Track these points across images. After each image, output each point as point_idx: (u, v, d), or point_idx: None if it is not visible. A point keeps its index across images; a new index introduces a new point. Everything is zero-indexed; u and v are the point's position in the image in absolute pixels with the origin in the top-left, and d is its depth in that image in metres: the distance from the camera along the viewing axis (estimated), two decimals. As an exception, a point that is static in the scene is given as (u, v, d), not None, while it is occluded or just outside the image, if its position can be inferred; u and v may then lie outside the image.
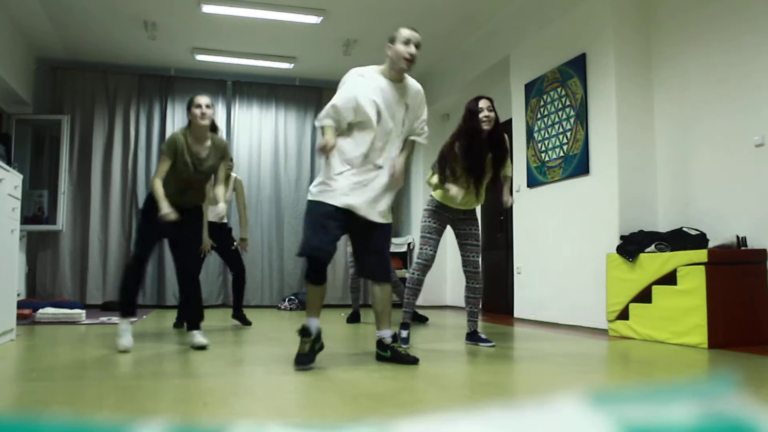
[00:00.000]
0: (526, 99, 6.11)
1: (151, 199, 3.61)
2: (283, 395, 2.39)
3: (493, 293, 7.26)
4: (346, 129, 3.05)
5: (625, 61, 4.97)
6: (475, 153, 3.69)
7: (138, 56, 7.68)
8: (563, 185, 5.51)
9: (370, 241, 3.14)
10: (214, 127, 3.84)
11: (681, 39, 4.73)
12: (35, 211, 7.29)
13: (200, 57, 7.61)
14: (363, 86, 3.04)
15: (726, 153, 4.31)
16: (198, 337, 3.66)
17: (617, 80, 4.92)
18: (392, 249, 7.30)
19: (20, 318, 4.72)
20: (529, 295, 5.98)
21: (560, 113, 5.57)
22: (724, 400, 0.31)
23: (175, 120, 7.96)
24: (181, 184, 3.66)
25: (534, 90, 5.97)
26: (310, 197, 3.07)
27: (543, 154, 5.80)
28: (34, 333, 4.47)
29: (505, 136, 3.89)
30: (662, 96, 4.91)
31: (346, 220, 3.02)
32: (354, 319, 5.89)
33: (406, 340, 3.80)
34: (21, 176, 4.16)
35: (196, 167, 3.66)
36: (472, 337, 3.97)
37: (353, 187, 3.00)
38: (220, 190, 3.81)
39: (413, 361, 3.04)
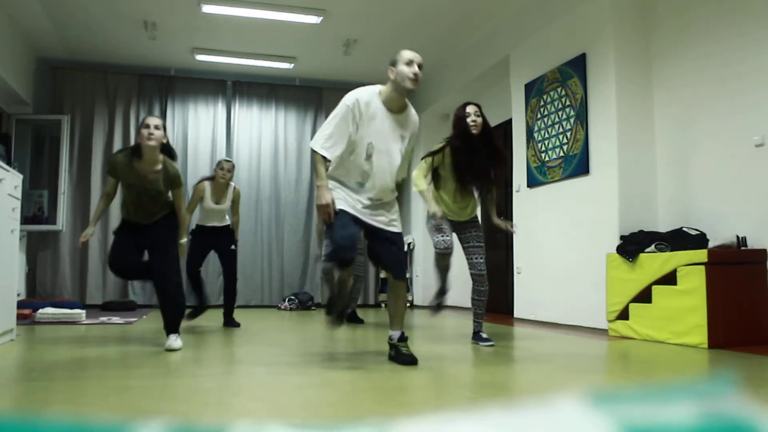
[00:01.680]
0: (526, 99, 6.11)
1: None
2: (283, 395, 2.39)
3: (493, 293, 7.23)
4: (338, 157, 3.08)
5: (625, 61, 4.97)
6: (465, 159, 3.75)
7: (138, 56, 7.68)
8: (563, 185, 5.51)
9: (381, 232, 3.17)
10: (170, 152, 3.70)
11: (681, 39, 4.73)
12: (35, 211, 7.29)
13: (200, 57, 7.61)
14: (360, 125, 3.04)
15: (726, 153, 4.31)
16: (172, 340, 3.59)
17: (617, 80, 4.92)
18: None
19: (20, 318, 4.72)
20: (529, 295, 5.98)
21: (560, 113, 5.57)
22: (724, 400, 0.31)
23: (175, 120, 7.96)
24: (130, 203, 3.68)
25: (534, 90, 5.97)
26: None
27: (543, 154, 5.80)
28: (34, 333, 4.47)
29: (500, 145, 3.97)
30: (662, 96, 4.91)
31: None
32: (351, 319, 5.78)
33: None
34: (21, 176, 4.16)
35: (139, 190, 3.60)
36: (475, 337, 4.02)
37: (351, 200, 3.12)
38: (180, 216, 3.78)
39: (411, 361, 3.04)
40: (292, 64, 7.86)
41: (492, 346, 3.82)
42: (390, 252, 3.15)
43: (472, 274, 3.94)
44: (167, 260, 3.69)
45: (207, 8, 6.21)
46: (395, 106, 3.10)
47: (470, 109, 3.80)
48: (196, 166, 7.87)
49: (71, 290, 7.45)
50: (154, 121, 3.55)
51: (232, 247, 5.24)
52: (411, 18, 6.50)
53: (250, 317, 6.13)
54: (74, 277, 7.51)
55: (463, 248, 4.00)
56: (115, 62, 7.85)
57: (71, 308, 5.52)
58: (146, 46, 7.30)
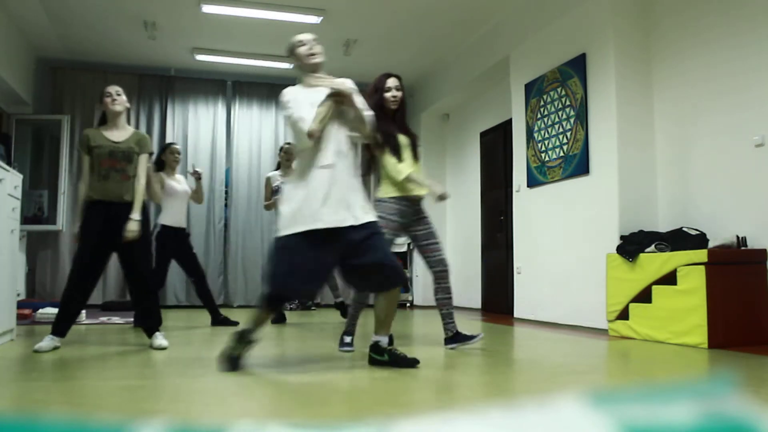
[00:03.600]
0: (526, 99, 6.11)
1: (87, 207, 3.66)
2: (282, 395, 2.39)
3: (493, 293, 7.27)
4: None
5: (625, 60, 4.97)
6: (383, 131, 3.49)
7: (138, 56, 7.68)
8: (563, 185, 5.51)
9: (364, 250, 2.86)
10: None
11: (681, 39, 4.73)
12: (35, 211, 7.29)
13: (200, 57, 7.61)
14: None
15: (726, 153, 4.31)
16: (161, 339, 3.66)
17: (617, 80, 4.92)
18: (393, 249, 7.27)
19: (20, 318, 4.72)
20: (529, 295, 5.98)
21: (560, 113, 5.57)
22: (724, 400, 0.31)
23: (175, 120, 7.96)
24: (103, 166, 3.62)
25: (534, 90, 5.97)
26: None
27: (543, 154, 5.80)
28: (34, 333, 4.47)
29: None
30: (662, 95, 4.91)
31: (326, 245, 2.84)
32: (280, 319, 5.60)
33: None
34: (21, 176, 4.16)
35: (112, 149, 3.65)
36: (457, 338, 3.73)
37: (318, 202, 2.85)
38: (140, 185, 3.68)
39: (413, 363, 2.98)
40: (292, 65, 7.84)
41: (481, 338, 3.72)
42: (383, 269, 2.96)
43: (436, 272, 3.67)
44: (140, 259, 3.71)
45: (207, 8, 6.21)
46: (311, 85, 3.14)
47: (391, 82, 3.57)
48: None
49: (71, 290, 7.44)
50: (114, 88, 3.76)
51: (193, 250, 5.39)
52: (411, 18, 6.50)
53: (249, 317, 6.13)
54: (74, 277, 7.50)
55: (421, 246, 3.70)
56: (115, 62, 7.85)
57: (71, 308, 5.51)
58: (146, 46, 7.30)
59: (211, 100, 8.13)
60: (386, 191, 3.59)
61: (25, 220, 6.38)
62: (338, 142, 2.94)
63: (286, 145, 5.61)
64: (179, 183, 5.26)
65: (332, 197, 2.83)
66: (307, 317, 6.50)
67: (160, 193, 4.98)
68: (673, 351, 3.70)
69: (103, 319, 5.64)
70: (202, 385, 2.53)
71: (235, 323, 5.18)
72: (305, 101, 2.97)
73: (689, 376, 2.89)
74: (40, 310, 5.35)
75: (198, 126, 8.06)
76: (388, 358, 3.01)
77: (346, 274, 2.96)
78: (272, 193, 5.51)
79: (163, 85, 8.01)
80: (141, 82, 7.94)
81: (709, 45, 4.46)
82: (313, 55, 3.12)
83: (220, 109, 8.14)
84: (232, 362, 2.90)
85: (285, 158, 5.55)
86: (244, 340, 2.95)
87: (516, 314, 6.15)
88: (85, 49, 7.46)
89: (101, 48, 7.42)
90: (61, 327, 3.59)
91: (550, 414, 0.31)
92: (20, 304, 5.12)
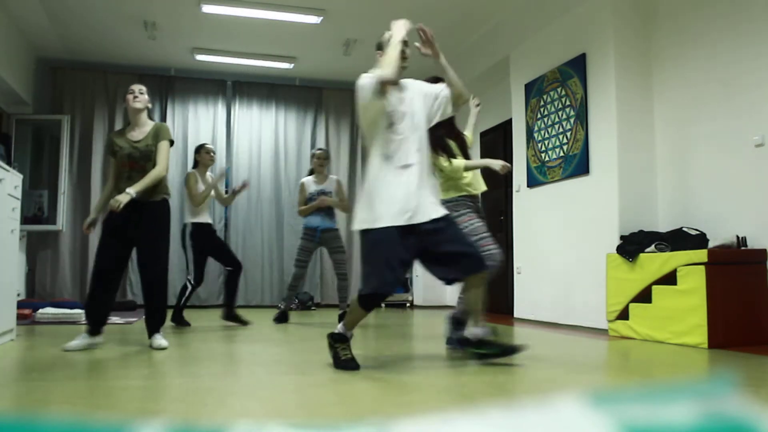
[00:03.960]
0: (526, 99, 6.11)
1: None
2: (283, 395, 2.39)
3: (493, 293, 7.26)
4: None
5: (625, 61, 4.97)
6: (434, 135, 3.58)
7: (138, 56, 7.68)
8: (563, 185, 5.51)
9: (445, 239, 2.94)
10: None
11: (681, 39, 4.73)
12: (35, 211, 7.29)
13: (200, 57, 7.61)
14: None
15: (726, 153, 4.31)
16: (160, 339, 3.68)
17: (617, 80, 4.92)
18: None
19: (20, 318, 4.72)
20: (529, 295, 5.98)
21: (560, 113, 5.57)
22: (724, 400, 0.31)
23: (175, 120, 7.96)
24: (125, 168, 3.66)
25: (534, 90, 5.97)
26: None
27: (543, 154, 5.80)
28: (34, 333, 4.47)
29: None
30: (662, 96, 4.91)
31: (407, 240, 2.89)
32: (283, 318, 5.62)
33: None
34: (21, 176, 4.16)
35: (131, 151, 3.67)
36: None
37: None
38: (155, 170, 3.66)
39: (519, 349, 3.08)
40: (292, 64, 7.86)
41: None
42: (464, 255, 3.04)
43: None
44: (157, 259, 3.73)
45: (207, 8, 6.21)
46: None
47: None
48: (196, 166, 7.86)
49: (71, 290, 7.44)
50: (138, 86, 3.80)
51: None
52: (411, 18, 6.47)
53: (250, 317, 6.13)
54: (74, 277, 7.51)
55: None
56: (115, 62, 7.85)
57: (71, 308, 5.52)
58: (146, 46, 7.30)
59: (211, 100, 8.13)
60: (449, 193, 3.72)
61: (25, 220, 6.38)
62: (419, 140, 3.00)
63: (319, 151, 5.66)
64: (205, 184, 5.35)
65: (414, 194, 2.88)
66: (308, 317, 6.51)
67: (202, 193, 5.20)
68: (673, 351, 3.70)
69: (103, 319, 5.64)
70: (202, 385, 2.53)
71: (246, 323, 5.25)
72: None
73: (689, 376, 2.89)
74: (40, 310, 5.35)
75: (198, 126, 8.06)
76: (497, 350, 3.09)
77: (430, 264, 3.02)
78: (307, 199, 5.51)
79: (163, 85, 8.01)
80: (141, 82, 7.83)
81: (709, 45, 4.46)
82: (405, 59, 3.06)
83: (220, 109, 8.14)
84: (349, 363, 2.88)
85: (318, 164, 5.55)
86: (344, 341, 2.96)
87: (516, 314, 6.15)
88: (85, 49, 7.46)
89: (101, 48, 7.42)
90: (93, 325, 3.66)
91: (550, 414, 0.31)
92: (20, 304, 5.12)
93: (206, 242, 5.27)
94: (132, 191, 3.51)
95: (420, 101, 3.07)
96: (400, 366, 3.03)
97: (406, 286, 8.19)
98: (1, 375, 2.78)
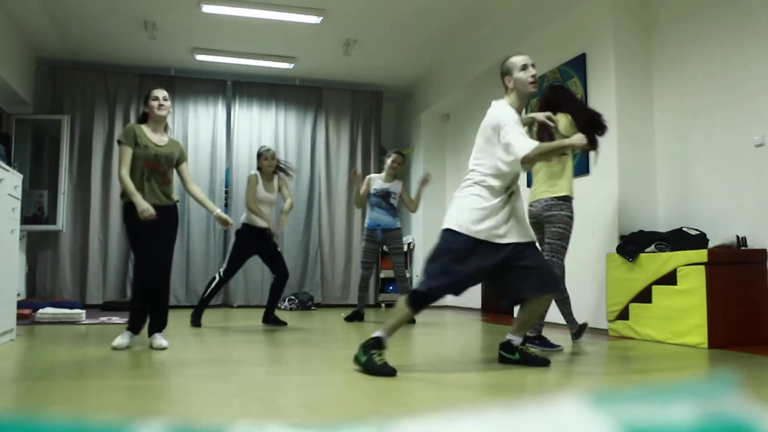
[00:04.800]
0: (526, 99, 6.10)
1: (127, 207, 3.63)
2: (283, 395, 2.39)
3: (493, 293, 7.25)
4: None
5: (625, 61, 4.97)
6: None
7: (138, 56, 7.68)
8: (563, 185, 5.50)
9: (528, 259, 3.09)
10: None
11: (681, 39, 4.73)
12: (35, 211, 7.29)
13: (200, 57, 7.61)
14: None
15: (726, 153, 4.31)
16: (161, 339, 3.70)
17: (617, 80, 4.92)
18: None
19: (20, 318, 4.72)
20: (529, 295, 5.97)
21: (560, 113, 5.56)
22: (724, 400, 0.31)
23: (175, 120, 7.96)
24: (146, 167, 3.64)
25: (534, 90, 5.96)
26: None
27: (543, 154, 5.80)
28: (34, 333, 4.47)
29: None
30: (662, 96, 4.91)
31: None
32: (355, 317, 5.87)
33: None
34: (21, 176, 4.16)
35: (157, 152, 3.68)
36: (580, 331, 4.16)
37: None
38: (198, 189, 3.93)
39: (545, 362, 3.12)
40: (292, 64, 7.86)
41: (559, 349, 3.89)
42: (537, 275, 3.22)
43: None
44: (167, 261, 3.78)
45: (207, 8, 6.21)
46: (519, 108, 3.14)
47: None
48: (196, 166, 7.86)
49: (71, 290, 7.44)
50: (162, 93, 3.75)
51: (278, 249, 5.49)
52: (411, 18, 6.50)
53: (250, 317, 6.14)
54: (74, 277, 7.51)
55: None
56: (115, 62, 7.85)
57: (71, 308, 5.52)
58: (146, 46, 7.30)
59: (211, 100, 8.13)
60: (570, 189, 3.93)
61: (25, 220, 6.38)
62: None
63: (396, 154, 5.79)
64: (271, 191, 5.32)
65: (510, 217, 3.03)
66: (308, 317, 6.50)
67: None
68: (673, 351, 3.70)
69: (103, 319, 5.64)
70: (202, 385, 2.53)
71: (284, 323, 5.33)
72: (519, 124, 3.02)
73: (689, 376, 2.89)
74: (40, 310, 5.35)
75: (198, 126, 8.06)
76: (519, 356, 3.18)
77: (506, 279, 3.16)
78: (370, 194, 5.70)
79: (163, 85, 7.99)
80: (141, 82, 7.93)
81: (709, 46, 4.46)
82: (534, 83, 3.06)
83: (220, 109, 8.14)
84: (385, 368, 2.79)
85: (394, 167, 5.74)
86: (380, 347, 2.89)
87: (516, 314, 6.14)
88: (85, 50, 7.46)
89: (101, 48, 7.42)
90: (134, 324, 3.75)
91: (550, 414, 0.31)
92: (20, 304, 5.12)
93: (253, 245, 5.27)
94: (215, 212, 3.87)
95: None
96: (400, 366, 3.02)
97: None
98: (1, 375, 2.78)
